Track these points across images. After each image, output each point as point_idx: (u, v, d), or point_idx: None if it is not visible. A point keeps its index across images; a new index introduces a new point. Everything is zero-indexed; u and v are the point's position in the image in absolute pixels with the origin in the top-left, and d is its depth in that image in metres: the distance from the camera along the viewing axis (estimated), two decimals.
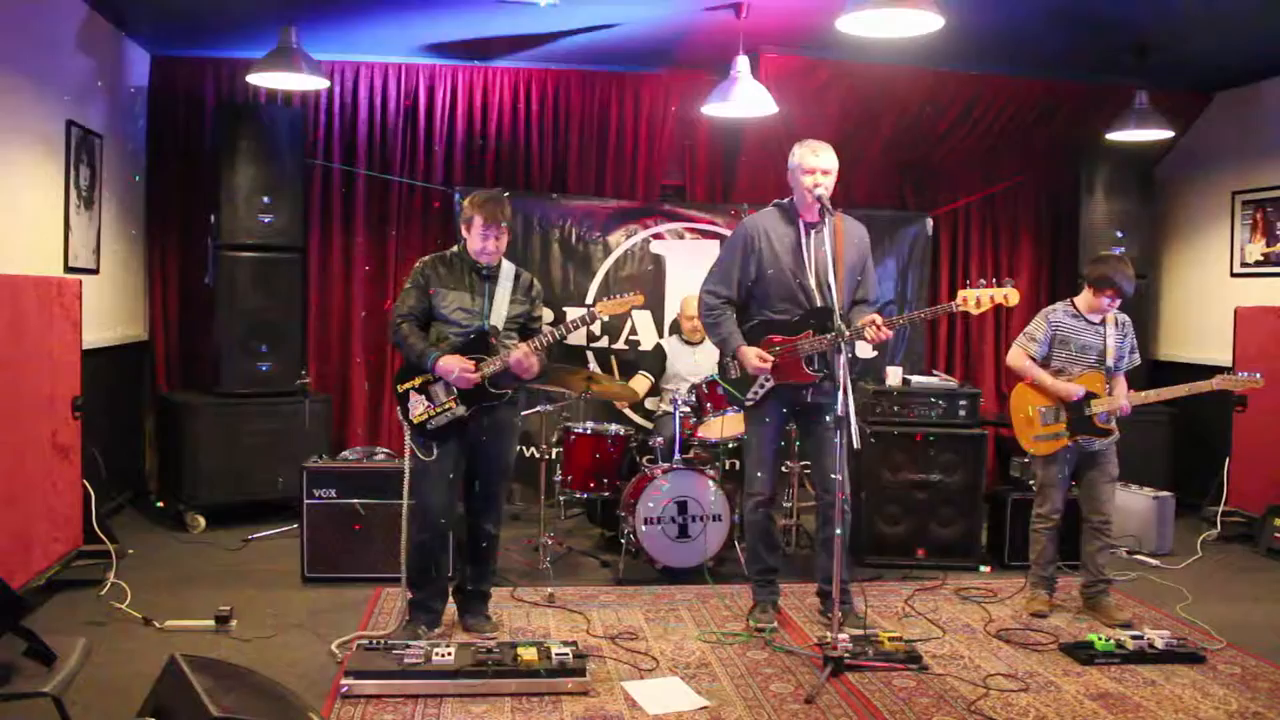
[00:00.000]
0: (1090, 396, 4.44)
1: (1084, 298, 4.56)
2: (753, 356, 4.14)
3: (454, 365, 3.91)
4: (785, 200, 4.31)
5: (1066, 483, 4.59)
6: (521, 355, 3.93)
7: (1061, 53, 6.06)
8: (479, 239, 3.99)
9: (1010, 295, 4.05)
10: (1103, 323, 4.52)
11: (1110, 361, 4.49)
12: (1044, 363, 4.55)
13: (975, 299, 4.06)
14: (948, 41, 5.10)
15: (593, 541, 5.76)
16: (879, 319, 4.05)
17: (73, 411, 4.58)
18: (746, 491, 4.41)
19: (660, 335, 6.51)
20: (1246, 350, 6.15)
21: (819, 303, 4.14)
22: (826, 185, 4.11)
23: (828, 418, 4.08)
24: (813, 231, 4.21)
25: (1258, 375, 4.46)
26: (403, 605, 4.14)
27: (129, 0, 5.46)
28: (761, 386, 4.23)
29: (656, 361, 6.04)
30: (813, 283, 4.16)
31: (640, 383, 6.01)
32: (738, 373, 4.27)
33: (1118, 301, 4.48)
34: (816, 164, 4.11)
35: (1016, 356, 4.61)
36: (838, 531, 3.90)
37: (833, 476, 3.98)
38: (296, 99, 6.43)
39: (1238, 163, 6.74)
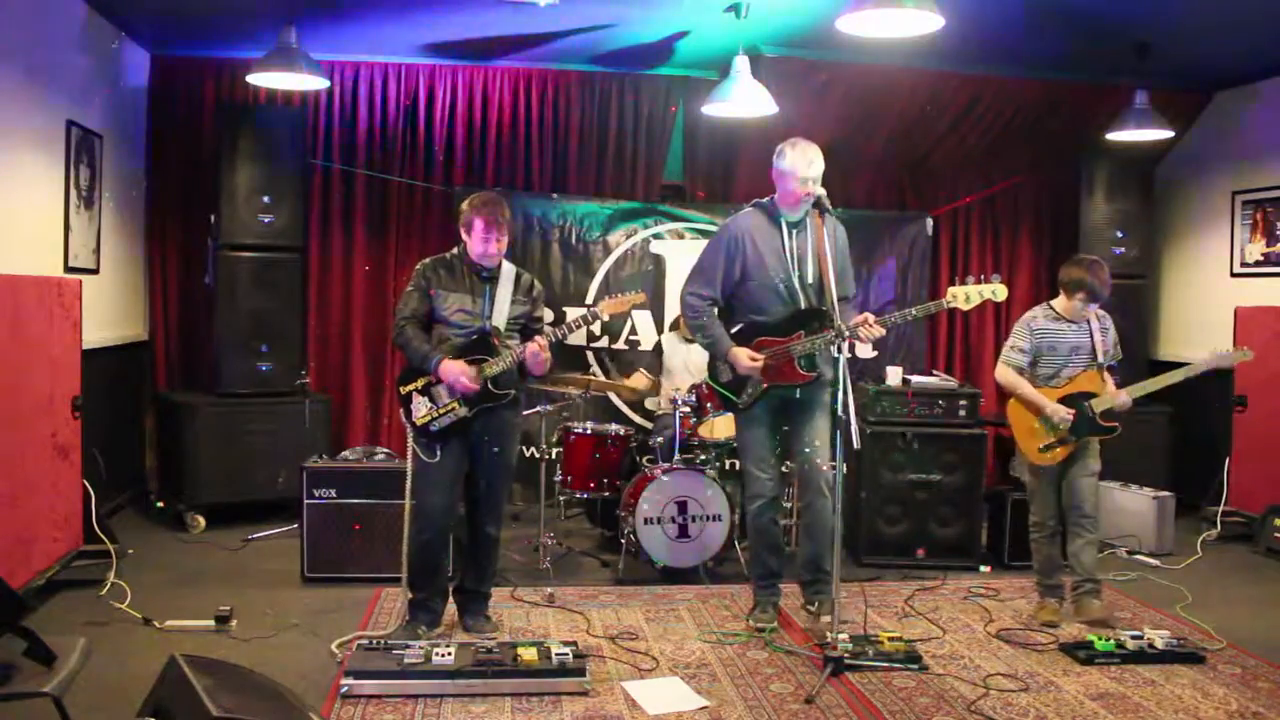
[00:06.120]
0: (1089, 396, 4.42)
1: (1061, 300, 4.50)
2: (744, 358, 4.13)
3: (456, 372, 3.91)
4: (765, 200, 4.26)
5: (1056, 483, 4.51)
6: (538, 348, 3.93)
7: (1061, 53, 6.06)
8: (480, 243, 3.98)
9: (998, 291, 4.09)
10: (1086, 322, 4.48)
11: (1101, 358, 4.47)
12: (1031, 369, 4.50)
13: (964, 295, 4.09)
14: (948, 42, 5.10)
15: (593, 541, 5.76)
16: (871, 317, 4.04)
17: (73, 411, 4.58)
18: (748, 494, 4.38)
19: (660, 335, 6.51)
20: None
21: (804, 304, 4.14)
22: (817, 188, 4.07)
23: (818, 410, 4.13)
24: (795, 231, 4.19)
25: (1246, 349, 4.50)
26: (403, 605, 4.14)
27: (129, 0, 5.46)
28: (754, 388, 4.22)
29: (655, 359, 6.04)
30: (797, 283, 4.16)
31: (639, 379, 6.01)
32: (730, 375, 4.26)
33: (1092, 305, 4.42)
34: (810, 174, 4.05)
35: (1003, 373, 4.53)
36: (835, 511, 3.87)
37: (816, 444, 4.08)
38: (296, 99, 6.42)
39: (1238, 163, 6.73)
